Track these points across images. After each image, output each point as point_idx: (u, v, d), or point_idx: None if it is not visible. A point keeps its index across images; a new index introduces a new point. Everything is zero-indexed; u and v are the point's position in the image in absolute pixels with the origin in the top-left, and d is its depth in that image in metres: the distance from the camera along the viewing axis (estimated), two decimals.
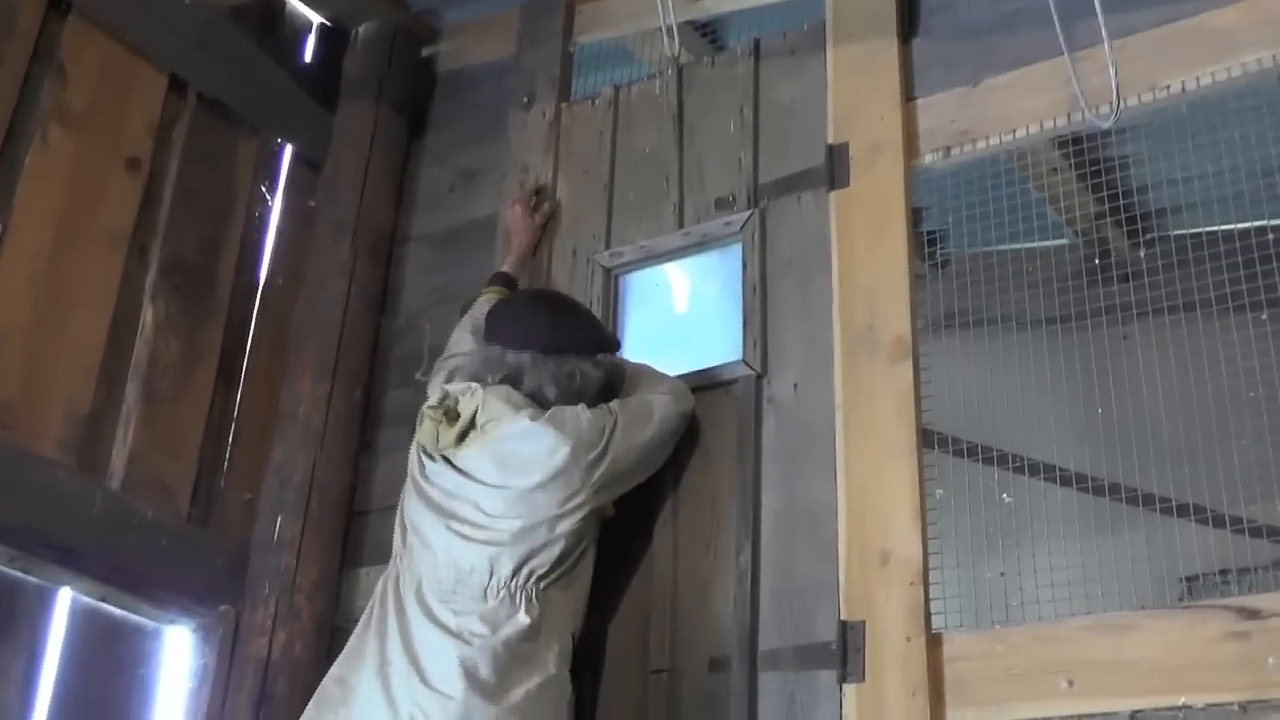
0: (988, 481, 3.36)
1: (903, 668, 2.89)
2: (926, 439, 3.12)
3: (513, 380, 3.17)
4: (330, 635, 3.70)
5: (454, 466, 3.10)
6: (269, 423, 3.98)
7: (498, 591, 2.97)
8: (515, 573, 2.98)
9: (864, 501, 3.06)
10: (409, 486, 3.22)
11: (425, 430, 3.16)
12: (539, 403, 3.13)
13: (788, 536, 3.15)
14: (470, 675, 2.87)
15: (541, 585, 3.00)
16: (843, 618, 2.98)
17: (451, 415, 3.14)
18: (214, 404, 3.91)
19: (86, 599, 3.48)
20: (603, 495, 3.10)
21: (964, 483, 3.23)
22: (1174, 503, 3.48)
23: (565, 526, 3.02)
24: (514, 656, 2.92)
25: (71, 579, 3.41)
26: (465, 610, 2.97)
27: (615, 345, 3.46)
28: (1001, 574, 2.97)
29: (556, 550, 3.01)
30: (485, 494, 3.05)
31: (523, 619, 2.94)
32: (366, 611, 3.16)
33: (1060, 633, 2.80)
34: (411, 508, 3.18)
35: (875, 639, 2.94)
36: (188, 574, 3.65)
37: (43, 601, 3.40)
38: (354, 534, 3.90)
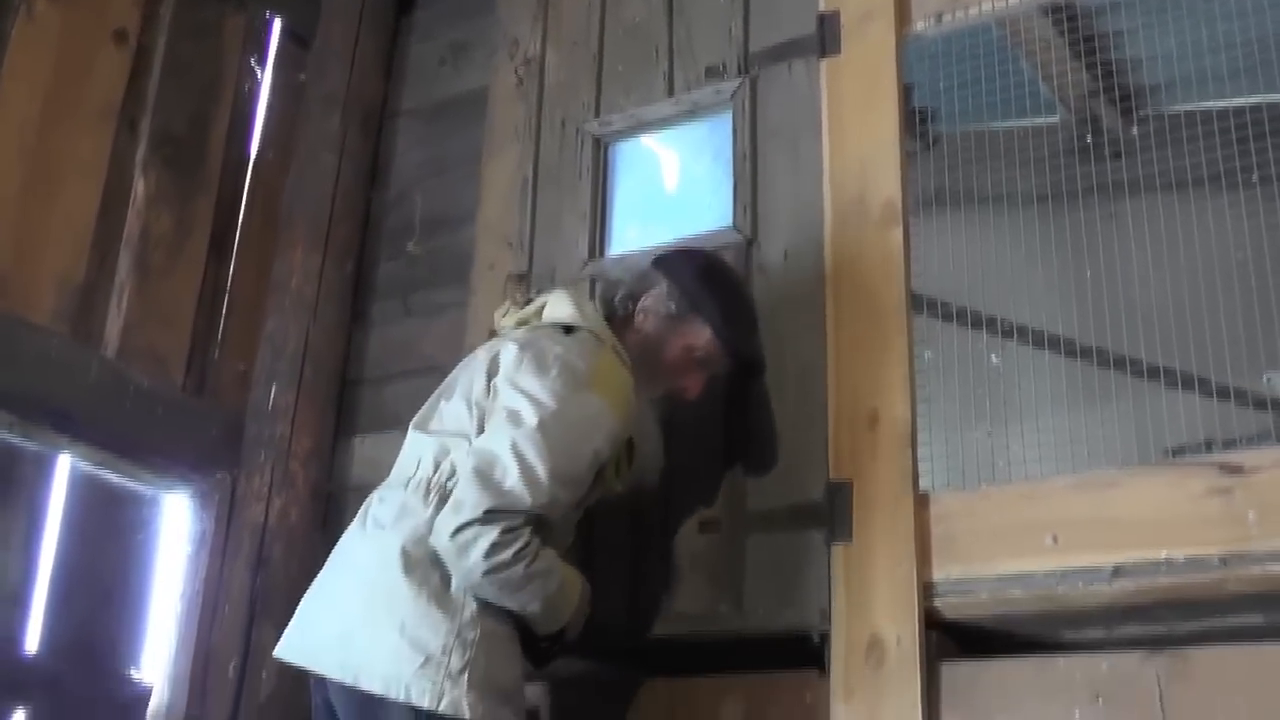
0: (976, 345, 3.37)
1: (890, 527, 2.93)
2: (915, 303, 3.14)
3: (629, 290, 2.99)
4: (325, 502, 3.75)
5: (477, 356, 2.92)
6: (261, 294, 4.01)
7: (418, 486, 2.70)
8: (437, 468, 2.71)
9: (853, 364, 3.09)
10: None
11: (501, 308, 3.08)
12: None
13: (776, 400, 3.18)
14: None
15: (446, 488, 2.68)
16: (831, 478, 3.02)
17: (513, 313, 3.02)
18: (206, 276, 3.93)
19: (85, 466, 3.52)
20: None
21: (952, 346, 3.24)
22: (1161, 367, 3.51)
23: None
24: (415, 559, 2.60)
25: (69, 445, 3.45)
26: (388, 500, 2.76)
27: (754, 365, 3.13)
28: (989, 434, 2.99)
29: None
30: (477, 375, 2.82)
31: (421, 513, 2.64)
32: None
33: (1045, 491, 2.83)
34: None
35: (863, 499, 2.98)
36: (184, 441, 3.69)
37: (42, 468, 3.45)
38: (347, 403, 3.94)
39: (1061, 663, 2.77)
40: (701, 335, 2.95)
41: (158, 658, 3.60)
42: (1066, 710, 2.72)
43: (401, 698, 2.47)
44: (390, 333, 4.02)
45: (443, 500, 2.63)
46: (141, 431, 3.58)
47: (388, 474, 2.87)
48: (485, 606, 2.58)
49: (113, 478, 3.60)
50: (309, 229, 4.03)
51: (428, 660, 2.50)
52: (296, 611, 2.77)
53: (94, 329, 3.59)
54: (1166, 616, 2.78)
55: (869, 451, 3.00)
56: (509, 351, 2.76)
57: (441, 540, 2.55)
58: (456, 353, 3.69)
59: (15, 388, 3.30)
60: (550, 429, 2.62)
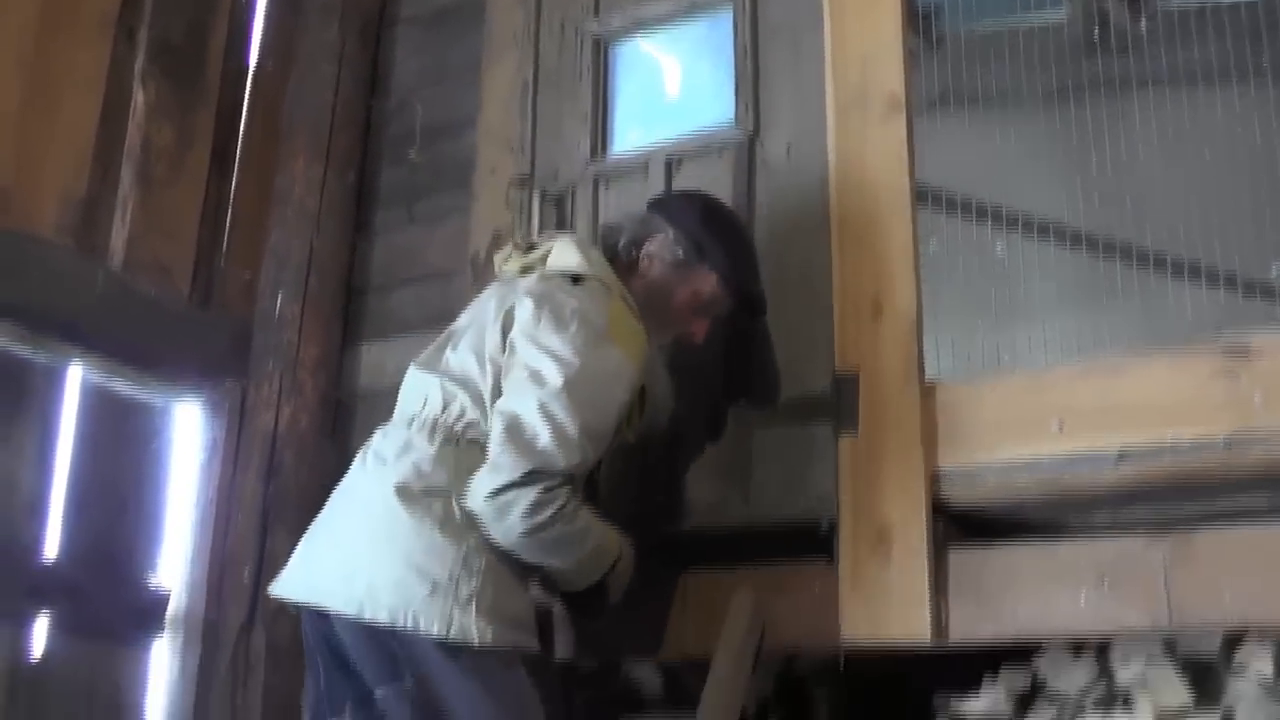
0: (981, 237, 3.38)
1: (896, 417, 2.95)
2: (920, 196, 3.14)
3: (632, 236, 2.94)
4: (334, 409, 3.77)
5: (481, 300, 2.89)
6: (264, 205, 4.01)
7: (423, 424, 2.68)
8: (445, 408, 2.68)
9: (857, 257, 3.09)
10: None
11: (502, 252, 3.00)
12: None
13: (781, 295, 3.18)
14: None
15: (465, 431, 2.66)
16: (837, 370, 3.04)
17: (516, 257, 2.95)
18: (209, 187, 3.93)
19: (95, 376, 3.55)
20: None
21: (958, 238, 3.25)
22: (1169, 260, 3.52)
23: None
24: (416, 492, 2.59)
25: (79, 356, 3.48)
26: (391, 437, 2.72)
27: (757, 306, 3.06)
28: (995, 325, 3.00)
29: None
30: (486, 324, 2.76)
31: (425, 449, 2.63)
32: None
33: (1051, 379, 2.85)
34: None
35: (869, 390, 2.99)
36: (192, 351, 3.71)
37: (53, 379, 3.47)
38: (353, 311, 3.96)
39: (1067, 547, 2.80)
40: (708, 280, 2.92)
41: (174, 564, 3.64)
42: (1073, 593, 2.75)
43: (410, 626, 2.46)
44: (394, 240, 4.02)
45: (448, 440, 2.63)
46: (149, 341, 3.60)
47: (395, 380, 2.88)
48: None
49: (123, 388, 3.63)
50: (310, 139, 4.02)
51: (435, 588, 2.48)
52: (295, 550, 2.76)
53: (99, 242, 3.59)
54: (1171, 499, 2.80)
55: (874, 343, 3.01)
56: (524, 307, 2.70)
57: (477, 501, 2.53)
58: (460, 259, 3.71)
59: (22, 300, 3.31)
60: (576, 386, 2.59)
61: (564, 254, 2.84)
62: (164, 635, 3.60)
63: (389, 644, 2.51)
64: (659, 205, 3.03)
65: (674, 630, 3.15)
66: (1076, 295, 3.12)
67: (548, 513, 2.52)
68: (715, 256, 2.91)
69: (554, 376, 2.59)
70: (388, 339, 3.83)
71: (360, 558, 2.56)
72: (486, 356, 2.70)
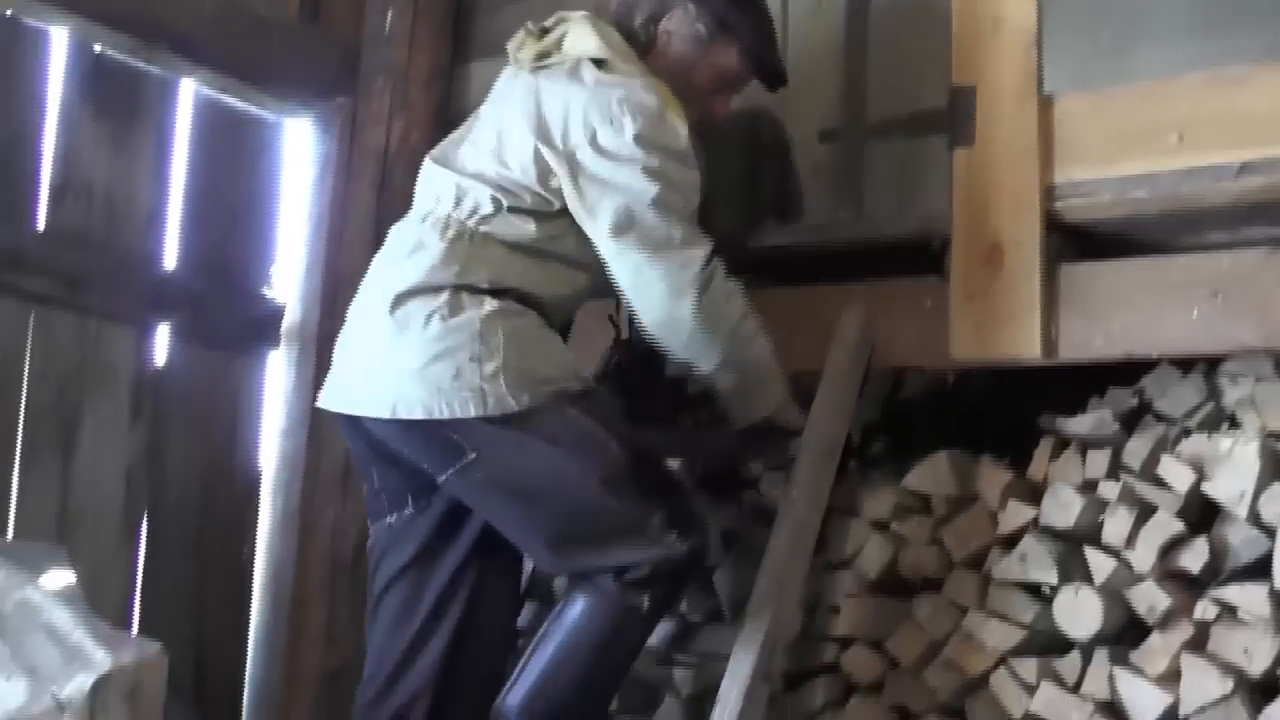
0: None
1: (1012, 130, 2.90)
2: None
3: (650, 13, 2.89)
4: (445, 126, 3.76)
5: (500, 90, 2.94)
6: None
7: (435, 221, 2.75)
8: (458, 204, 2.74)
9: None
10: None
11: (515, 38, 2.94)
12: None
13: (893, 10, 3.11)
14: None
15: (478, 226, 2.72)
16: (954, 83, 2.99)
17: (542, 33, 2.89)
18: None
19: (207, 90, 3.57)
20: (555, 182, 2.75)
21: None
22: None
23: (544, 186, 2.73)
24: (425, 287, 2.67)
25: (190, 70, 3.50)
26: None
27: (779, 78, 3.02)
28: (1116, 35, 2.91)
29: (530, 205, 2.74)
30: (509, 122, 2.80)
31: (436, 245, 2.70)
32: None
33: (1173, 89, 2.78)
34: None
35: (986, 103, 2.94)
36: (301, 68, 3.72)
37: (166, 91, 3.50)
38: (463, 29, 3.90)
39: (1182, 261, 2.78)
40: (730, 55, 2.89)
41: (288, 277, 3.71)
42: (1185, 308, 2.74)
43: (446, 415, 2.54)
44: None
45: (460, 235, 2.69)
46: (259, 57, 3.60)
47: None
48: (499, 309, 2.62)
49: (235, 103, 3.65)
50: None
51: (458, 373, 2.55)
52: (333, 358, 2.84)
53: None
54: None
55: (992, 55, 2.95)
56: (575, 116, 2.69)
57: (685, 307, 2.68)
58: None
59: (134, 11, 3.32)
60: (671, 177, 2.67)
61: (582, 38, 2.79)
62: (280, 346, 3.68)
63: (437, 432, 2.58)
64: None
65: (784, 346, 3.18)
66: (1206, 14, 2.99)
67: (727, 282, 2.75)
68: (740, 28, 2.87)
69: (650, 184, 2.65)
70: (498, 57, 3.78)
71: (381, 358, 2.64)
72: (511, 154, 2.73)
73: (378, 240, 3.62)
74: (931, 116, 3.01)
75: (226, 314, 3.60)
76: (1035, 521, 2.94)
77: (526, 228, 2.70)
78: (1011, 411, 3.25)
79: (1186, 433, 2.88)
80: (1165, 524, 2.79)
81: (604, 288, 2.82)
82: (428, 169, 2.86)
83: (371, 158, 3.69)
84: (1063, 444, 2.98)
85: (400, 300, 2.64)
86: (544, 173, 2.70)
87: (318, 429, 3.52)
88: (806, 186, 3.17)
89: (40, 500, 3.19)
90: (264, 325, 3.67)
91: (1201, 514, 2.80)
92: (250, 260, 3.70)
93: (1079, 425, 2.95)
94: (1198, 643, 2.74)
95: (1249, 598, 2.66)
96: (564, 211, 2.72)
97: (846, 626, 3.12)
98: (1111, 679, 2.78)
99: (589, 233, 2.70)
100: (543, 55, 2.83)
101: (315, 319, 3.61)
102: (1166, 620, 2.76)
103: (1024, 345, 2.86)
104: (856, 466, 3.25)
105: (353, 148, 3.71)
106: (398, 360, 2.61)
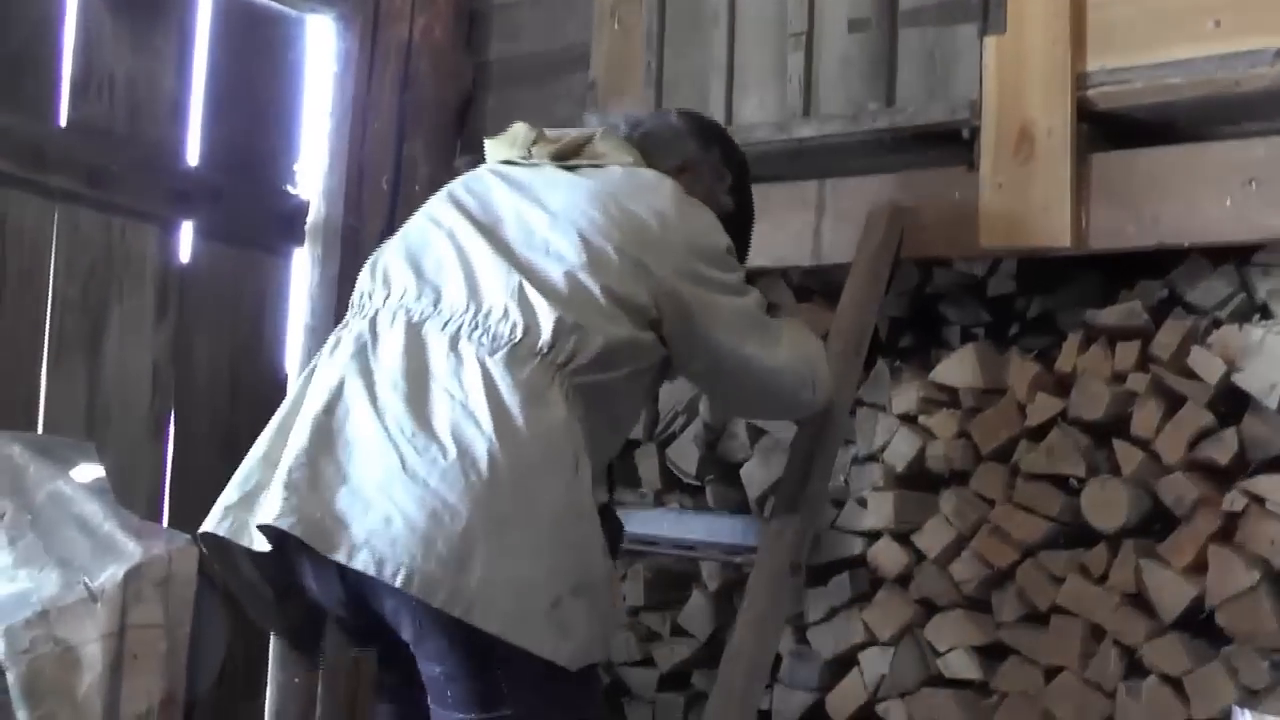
0: None
1: (1045, 16, 2.85)
2: None
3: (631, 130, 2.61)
4: (469, 20, 3.74)
5: (518, 184, 2.39)
6: None
7: (534, 355, 2.14)
8: (558, 344, 2.15)
9: None
10: (422, 211, 2.45)
11: (506, 137, 2.52)
12: None
13: None
14: (487, 474, 2.05)
15: (580, 375, 2.18)
16: None
17: (547, 140, 2.49)
18: None
19: None
20: (664, 303, 2.30)
21: None
22: None
23: (623, 332, 2.23)
24: (545, 460, 2.11)
25: None
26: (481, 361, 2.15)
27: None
28: None
29: (604, 347, 2.20)
30: (564, 231, 2.26)
31: (558, 409, 2.14)
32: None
33: None
34: (419, 227, 2.39)
35: None
36: None
37: None
38: None
39: (1216, 149, 2.74)
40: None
41: (312, 174, 3.70)
42: (1218, 197, 2.71)
43: (523, 646, 2.02)
44: None
45: (558, 375, 2.15)
46: None
47: None
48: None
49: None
50: None
51: (558, 602, 2.06)
52: (292, 462, 2.12)
53: None
54: None
55: None
56: (669, 242, 2.31)
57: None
58: None
59: None
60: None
61: (618, 152, 2.48)
62: (304, 243, 3.68)
63: (482, 659, 2.06)
64: (707, 128, 2.74)
65: (810, 238, 3.16)
66: None
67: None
68: (745, 207, 2.73)
69: (739, 311, 2.45)
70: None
71: (474, 530, 2.01)
72: (585, 273, 2.21)
73: (402, 134, 3.63)
74: (962, 4, 2.98)
75: (250, 210, 3.59)
76: (1063, 414, 2.93)
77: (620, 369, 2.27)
78: (1038, 304, 3.24)
79: (1217, 324, 2.86)
80: (1194, 415, 2.78)
81: None
82: (449, 254, 2.28)
83: (393, 54, 3.66)
84: (1091, 336, 2.96)
85: (520, 447, 2.08)
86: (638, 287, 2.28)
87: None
88: (836, 77, 3.13)
89: (68, 396, 3.21)
90: (288, 222, 3.66)
91: (1231, 405, 2.79)
92: (274, 157, 3.68)
93: (1108, 317, 2.94)
94: (1225, 534, 2.74)
95: (1278, 489, 2.65)
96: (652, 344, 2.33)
97: (873, 520, 3.12)
98: (1138, 571, 2.79)
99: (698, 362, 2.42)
100: (560, 156, 2.45)
101: (339, 216, 3.60)
102: (1194, 512, 2.76)
103: (1054, 235, 2.84)
104: (884, 361, 3.24)
105: (374, 44, 3.68)
106: (502, 546, 2.03)
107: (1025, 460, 2.95)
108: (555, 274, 2.20)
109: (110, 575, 2.47)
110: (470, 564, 1.98)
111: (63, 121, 3.22)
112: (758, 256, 3.22)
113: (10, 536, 2.53)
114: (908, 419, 3.12)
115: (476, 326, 2.16)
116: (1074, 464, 2.88)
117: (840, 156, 3.15)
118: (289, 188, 3.69)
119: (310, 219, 3.66)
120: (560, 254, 2.23)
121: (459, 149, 3.74)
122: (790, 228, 3.20)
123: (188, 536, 2.63)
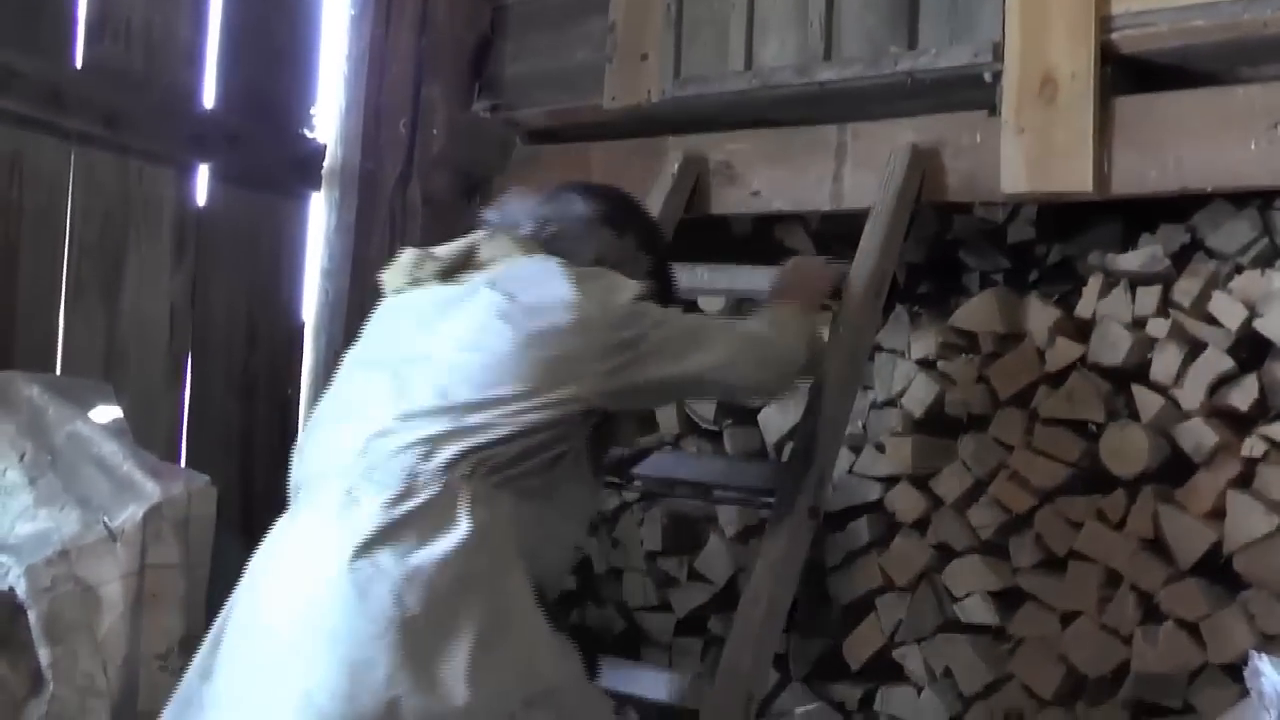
0: None
1: None
2: None
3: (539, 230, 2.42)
4: None
5: (411, 312, 2.31)
6: None
7: (433, 480, 2.06)
8: (460, 458, 2.07)
9: None
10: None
11: (395, 267, 2.40)
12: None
13: None
14: (395, 613, 1.96)
15: (493, 481, 2.09)
16: None
17: (433, 259, 2.37)
18: None
19: None
20: (603, 399, 2.22)
21: None
22: None
23: (537, 417, 2.11)
24: (455, 582, 2.01)
25: None
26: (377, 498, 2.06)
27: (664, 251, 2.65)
28: None
29: (517, 446, 2.10)
30: (451, 345, 2.18)
31: (463, 525, 2.03)
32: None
33: None
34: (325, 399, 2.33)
35: None
36: None
37: None
38: None
39: (1240, 93, 2.72)
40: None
41: (329, 117, 3.68)
42: (1243, 140, 2.68)
43: None
44: None
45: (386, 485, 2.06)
46: None
47: None
48: None
49: None
50: None
51: None
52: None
53: None
54: None
55: None
56: (586, 330, 2.19)
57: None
58: None
59: None
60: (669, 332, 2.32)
61: (505, 249, 2.36)
62: (321, 187, 3.66)
63: None
64: (613, 218, 2.49)
65: (829, 182, 3.15)
66: None
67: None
68: (669, 289, 2.58)
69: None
70: None
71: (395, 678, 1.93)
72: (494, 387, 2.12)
73: (419, 78, 3.61)
74: None
75: (267, 154, 3.57)
76: (1083, 359, 2.93)
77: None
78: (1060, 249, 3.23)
79: (1239, 269, 2.85)
80: (1215, 361, 2.78)
81: None
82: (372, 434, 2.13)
83: None
84: (1112, 281, 2.95)
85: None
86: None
87: (360, 270, 3.53)
88: (857, 19, 3.10)
89: (86, 339, 3.20)
90: (305, 166, 3.64)
91: (1251, 351, 2.78)
92: (290, 100, 3.65)
93: (1129, 262, 2.93)
94: (1244, 480, 2.74)
95: None
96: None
97: (892, 465, 3.12)
98: (1156, 517, 2.79)
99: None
100: (448, 271, 2.35)
101: (356, 160, 3.58)
102: (1213, 458, 2.76)
103: (1076, 179, 2.82)
104: (903, 306, 3.23)
105: None
106: None
107: (1044, 405, 2.95)
108: (440, 392, 2.11)
109: (130, 515, 2.47)
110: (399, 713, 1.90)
111: (79, 64, 3.20)
112: (777, 200, 3.23)
113: (30, 476, 2.53)
114: (926, 364, 3.12)
115: (373, 468, 2.08)
116: (1093, 409, 2.88)
117: (861, 100, 3.13)
118: (306, 131, 3.67)
119: (327, 163, 3.64)
120: (450, 369, 2.14)
121: (477, 92, 3.72)
122: (810, 172, 3.19)
123: (206, 478, 2.64)
